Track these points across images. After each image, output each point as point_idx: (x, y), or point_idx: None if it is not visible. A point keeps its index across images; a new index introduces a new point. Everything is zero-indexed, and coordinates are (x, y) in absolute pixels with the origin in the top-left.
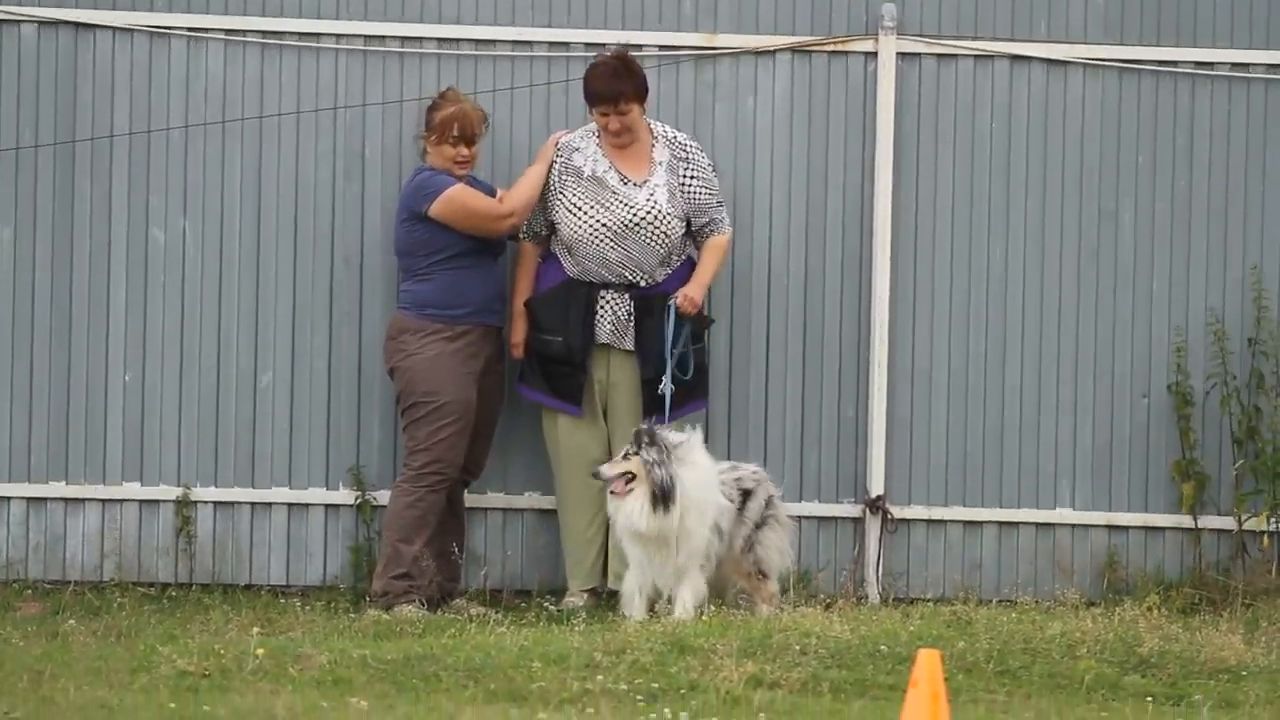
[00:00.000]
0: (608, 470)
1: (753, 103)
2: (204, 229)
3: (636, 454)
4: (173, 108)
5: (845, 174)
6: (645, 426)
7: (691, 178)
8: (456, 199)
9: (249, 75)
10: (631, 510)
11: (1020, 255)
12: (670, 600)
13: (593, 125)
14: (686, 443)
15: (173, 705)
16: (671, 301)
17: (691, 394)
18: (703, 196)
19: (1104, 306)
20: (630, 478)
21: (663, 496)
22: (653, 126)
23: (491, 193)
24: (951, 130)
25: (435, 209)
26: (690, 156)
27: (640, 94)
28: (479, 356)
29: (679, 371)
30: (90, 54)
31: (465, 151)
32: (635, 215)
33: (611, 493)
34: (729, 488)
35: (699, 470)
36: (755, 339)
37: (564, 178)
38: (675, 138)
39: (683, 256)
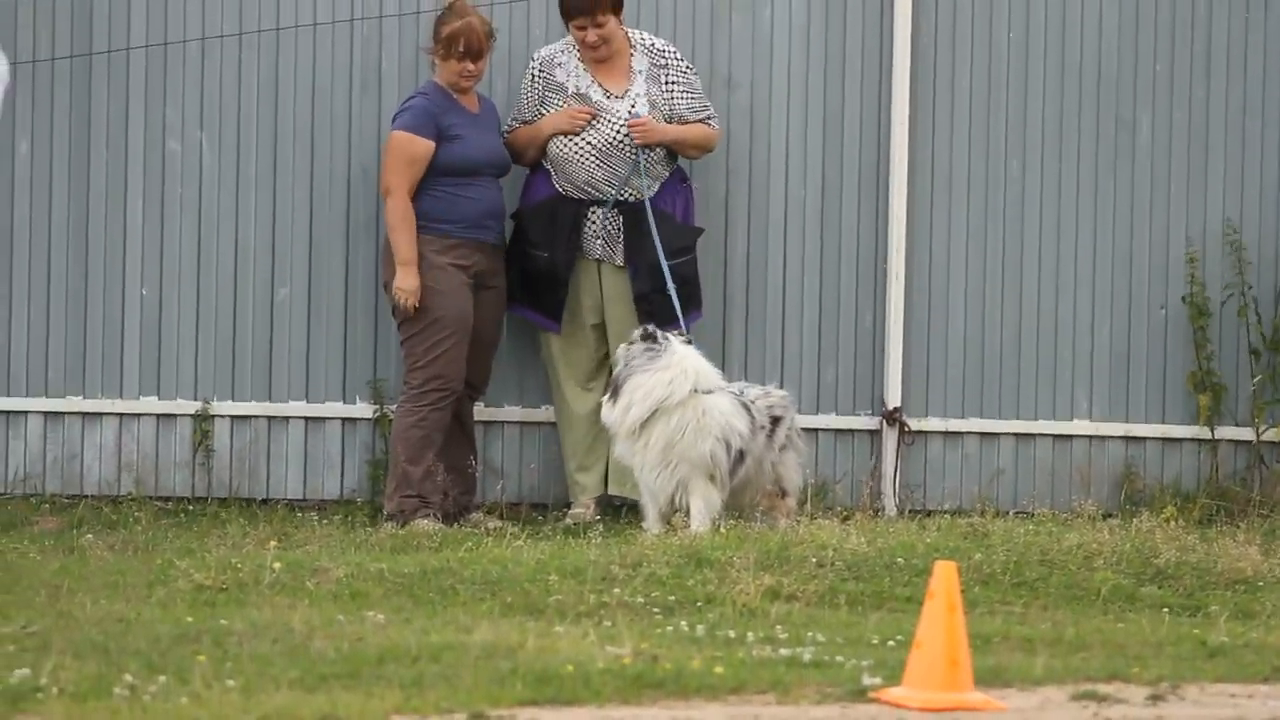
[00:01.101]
0: (619, 353)
1: (769, 13)
2: (221, 141)
3: (644, 344)
4: (189, 19)
5: (862, 84)
6: (649, 327)
7: (672, 83)
8: (396, 141)
9: None
10: (604, 399)
11: (1038, 165)
12: (686, 513)
13: (570, 38)
14: (673, 350)
15: (189, 619)
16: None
17: (686, 305)
18: (685, 102)
19: (1121, 217)
20: None
21: (614, 389)
22: (630, 35)
23: (496, 120)
24: (969, 39)
25: (391, 133)
26: (669, 63)
27: (616, 4)
28: (472, 270)
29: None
30: None
31: (470, 67)
32: (619, 132)
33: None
34: (760, 413)
35: (676, 374)
36: (772, 249)
37: (547, 93)
38: (653, 45)
39: (670, 169)
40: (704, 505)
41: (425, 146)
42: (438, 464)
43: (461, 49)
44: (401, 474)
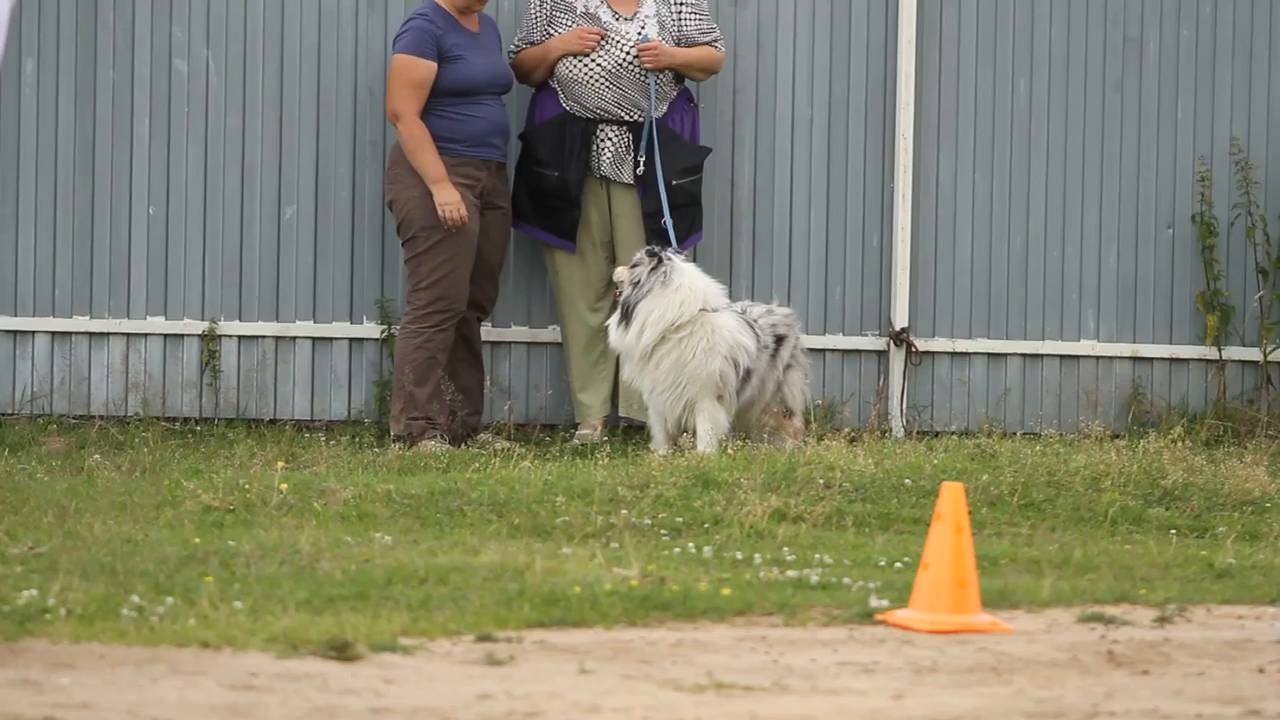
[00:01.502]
0: (617, 273)
1: None
2: (227, 60)
3: (651, 266)
4: None
5: (869, 3)
6: (654, 247)
7: (681, 5)
8: (398, 64)
9: None
10: (611, 323)
11: (1044, 85)
12: (692, 434)
13: None
14: (681, 272)
15: (197, 540)
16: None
17: (690, 226)
18: (693, 23)
19: (1128, 136)
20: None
21: (624, 313)
22: None
23: (497, 38)
24: None
25: (394, 57)
26: None
27: None
28: (477, 188)
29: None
30: None
31: None
32: (629, 54)
33: (613, 296)
34: (765, 332)
35: (687, 295)
36: (779, 170)
37: (555, 14)
38: None
39: (678, 89)
40: (711, 426)
41: (428, 68)
42: (444, 384)
43: None
44: (408, 395)
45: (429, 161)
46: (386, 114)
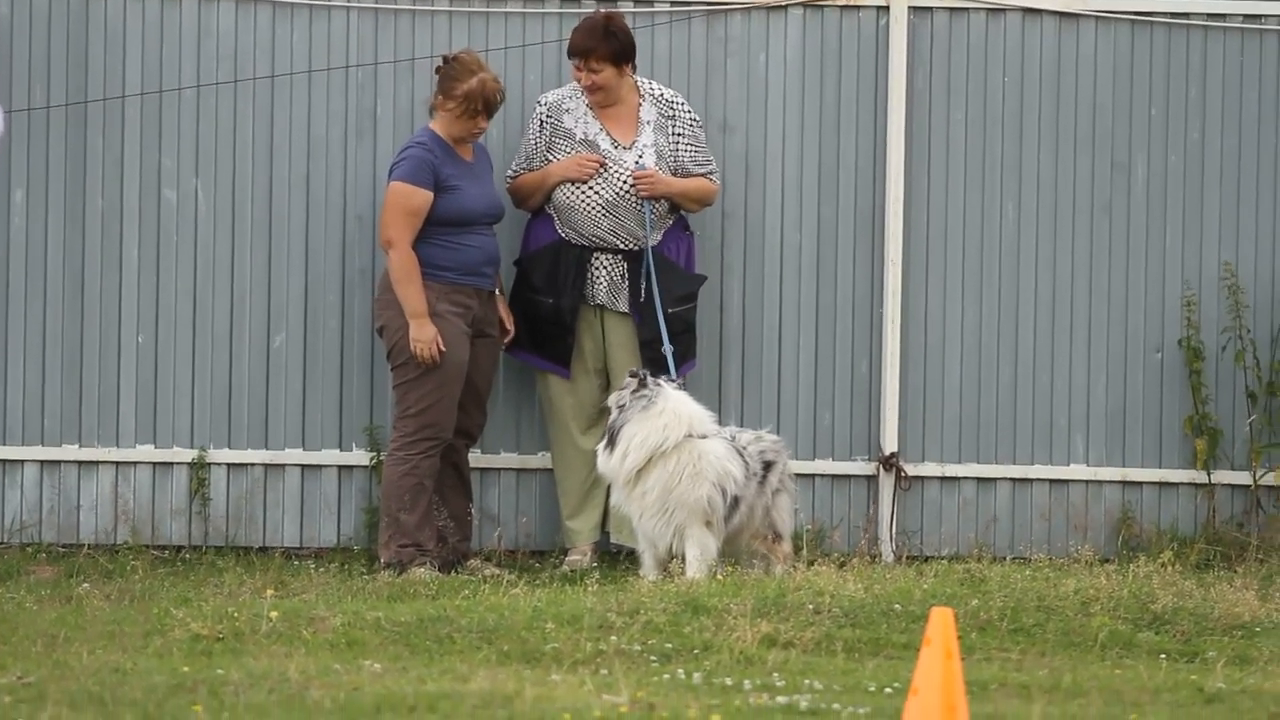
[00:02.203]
0: (611, 400)
1: (765, 58)
2: (216, 189)
3: (638, 392)
4: (184, 67)
5: (858, 129)
6: (640, 370)
7: (678, 135)
8: (395, 193)
9: (260, 34)
10: (599, 448)
11: (1033, 209)
12: (681, 559)
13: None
14: (666, 396)
15: (186, 668)
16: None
17: (683, 354)
18: (689, 154)
19: (1117, 261)
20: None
21: (610, 437)
22: (639, 84)
23: (490, 167)
24: (964, 85)
25: (390, 184)
26: (677, 114)
27: (615, 57)
28: (468, 316)
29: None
30: (101, 13)
31: (484, 124)
32: (627, 183)
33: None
34: (753, 458)
35: (671, 419)
36: (768, 296)
37: (555, 140)
38: (662, 95)
39: (673, 218)
40: (700, 552)
41: (424, 197)
42: (435, 510)
43: (480, 107)
44: (396, 523)
45: (412, 294)
46: (379, 240)
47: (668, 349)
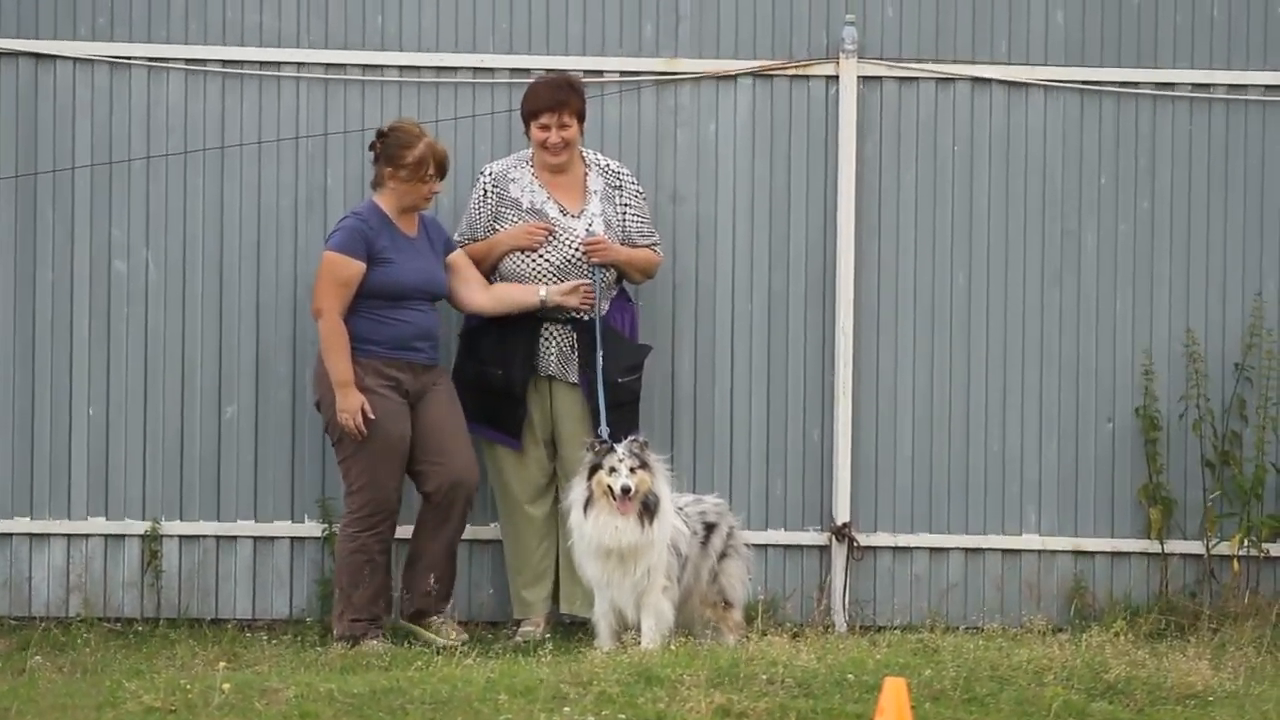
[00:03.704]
0: (633, 484)
1: (714, 127)
2: (166, 260)
3: (641, 467)
4: (134, 138)
5: (808, 198)
6: (641, 438)
7: (625, 205)
8: (327, 263)
9: (210, 105)
10: (618, 523)
11: (984, 277)
12: (637, 630)
13: (524, 153)
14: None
15: None
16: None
17: (626, 425)
18: (635, 225)
19: (1068, 329)
20: (630, 489)
21: (649, 510)
22: (585, 155)
23: (437, 243)
24: (914, 153)
25: (324, 254)
26: (624, 185)
27: (581, 113)
28: (399, 389)
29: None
30: (51, 85)
31: (438, 187)
32: (576, 251)
33: (622, 510)
34: (693, 520)
35: (666, 481)
36: (719, 365)
37: (500, 209)
38: (608, 166)
39: (617, 288)
40: (655, 621)
41: (356, 268)
42: (382, 582)
43: (432, 170)
44: (346, 598)
45: (337, 363)
46: (310, 310)
47: (604, 425)
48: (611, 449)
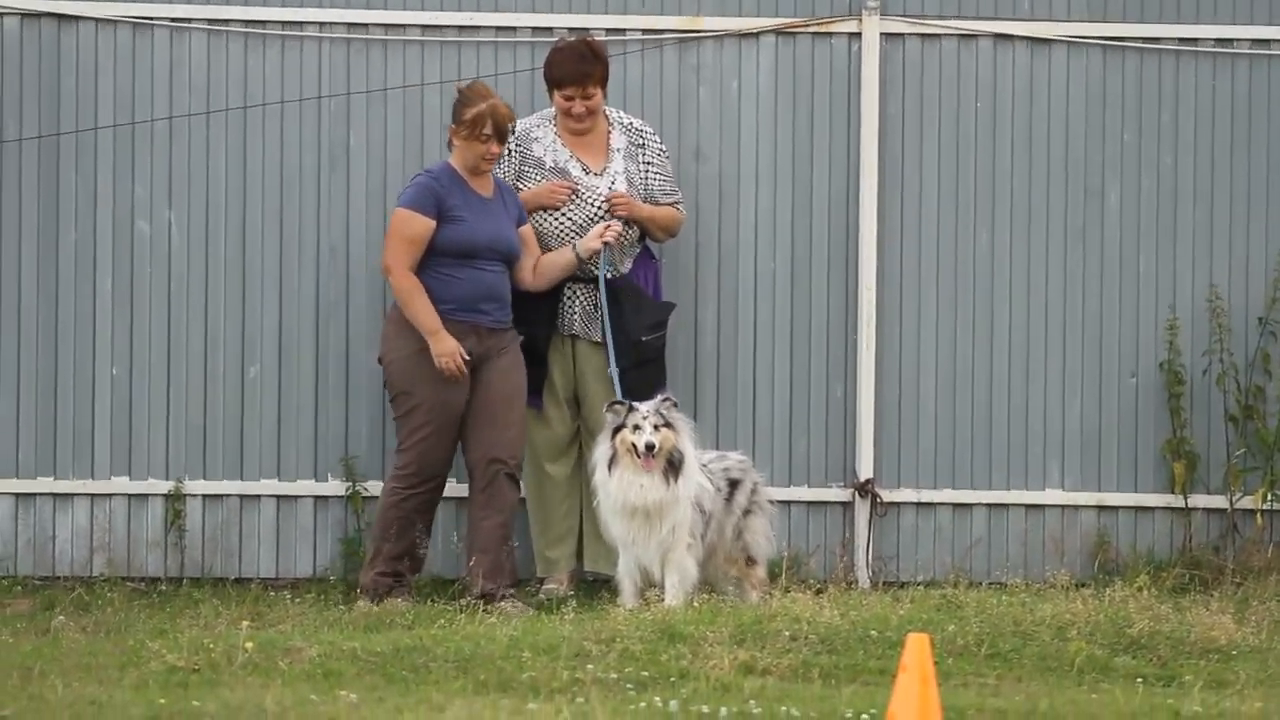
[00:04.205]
0: (657, 441)
1: (737, 85)
2: (189, 220)
3: (665, 426)
4: (156, 99)
5: (830, 156)
6: (670, 396)
7: (648, 164)
8: (396, 219)
9: (233, 65)
10: (643, 480)
11: (1006, 234)
12: (660, 587)
13: (547, 111)
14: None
15: (162, 701)
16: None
17: (652, 382)
18: (658, 183)
19: (1091, 286)
20: (653, 447)
21: (674, 467)
22: (608, 113)
23: (510, 206)
24: (936, 110)
25: (395, 210)
26: (646, 143)
27: (605, 78)
28: (465, 351)
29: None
30: (73, 46)
31: (495, 149)
32: (599, 209)
33: (646, 466)
34: (717, 477)
35: (690, 439)
36: (742, 323)
37: (524, 169)
38: (631, 124)
39: (640, 246)
40: (680, 578)
41: (425, 225)
42: (418, 541)
43: (488, 131)
44: (375, 550)
45: (422, 312)
46: (380, 268)
47: (614, 371)
48: (633, 408)
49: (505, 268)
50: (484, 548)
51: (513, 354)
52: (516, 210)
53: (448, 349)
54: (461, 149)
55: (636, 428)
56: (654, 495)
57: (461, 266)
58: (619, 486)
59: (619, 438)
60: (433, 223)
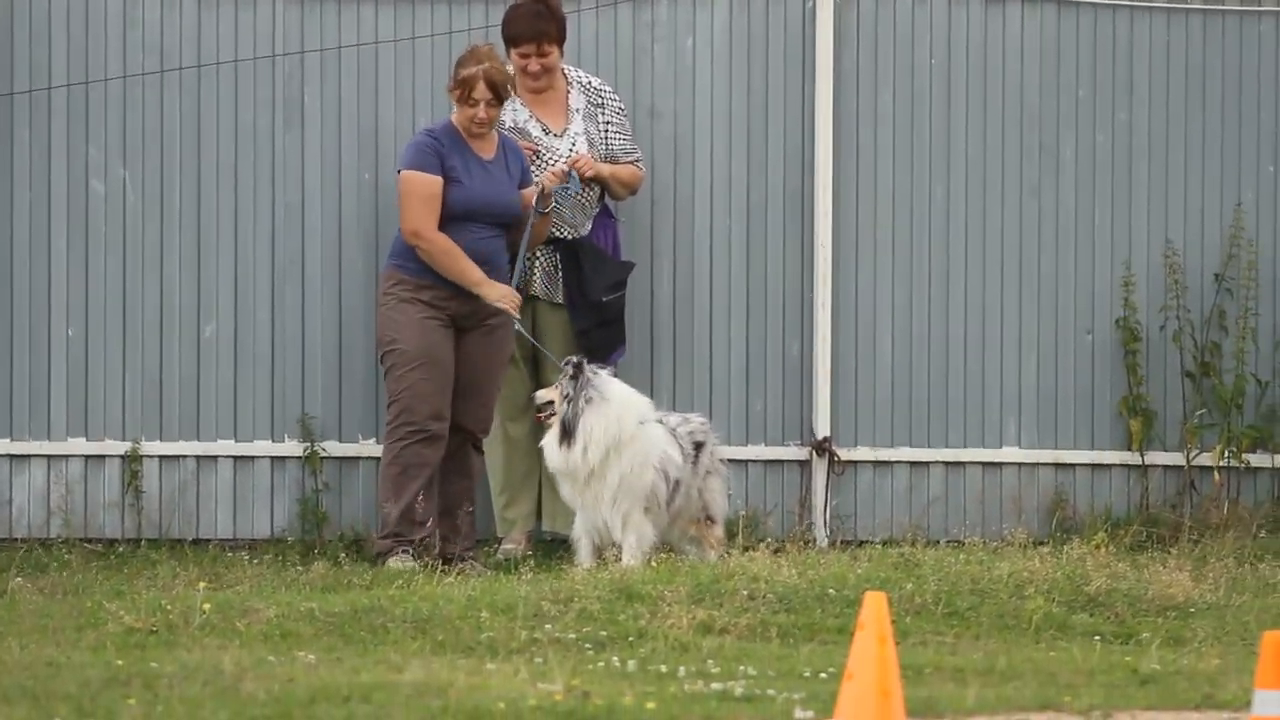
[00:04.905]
0: (539, 395)
1: (692, 43)
2: (144, 180)
3: (573, 386)
4: (110, 57)
5: (785, 113)
6: (576, 359)
7: (608, 123)
8: (404, 182)
9: (186, 23)
10: (548, 444)
11: (962, 191)
12: (617, 547)
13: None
14: (611, 384)
15: (120, 662)
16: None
17: (613, 342)
18: (618, 142)
19: (1046, 242)
20: (551, 410)
21: (565, 432)
22: (567, 72)
23: (513, 168)
24: (890, 67)
25: (400, 175)
26: (605, 102)
27: (561, 36)
28: (444, 312)
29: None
30: (26, 4)
31: (486, 114)
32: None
33: (537, 420)
34: (684, 440)
35: (623, 409)
36: (699, 281)
37: None
38: (590, 83)
39: (599, 205)
40: (637, 540)
41: (434, 181)
42: (420, 500)
43: (478, 95)
44: (381, 514)
45: (461, 271)
46: (405, 235)
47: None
48: (576, 368)
49: (501, 232)
50: (444, 510)
51: (501, 325)
52: (520, 171)
53: (499, 294)
54: (458, 110)
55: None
56: (556, 464)
57: (456, 230)
58: (546, 450)
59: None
60: (440, 179)
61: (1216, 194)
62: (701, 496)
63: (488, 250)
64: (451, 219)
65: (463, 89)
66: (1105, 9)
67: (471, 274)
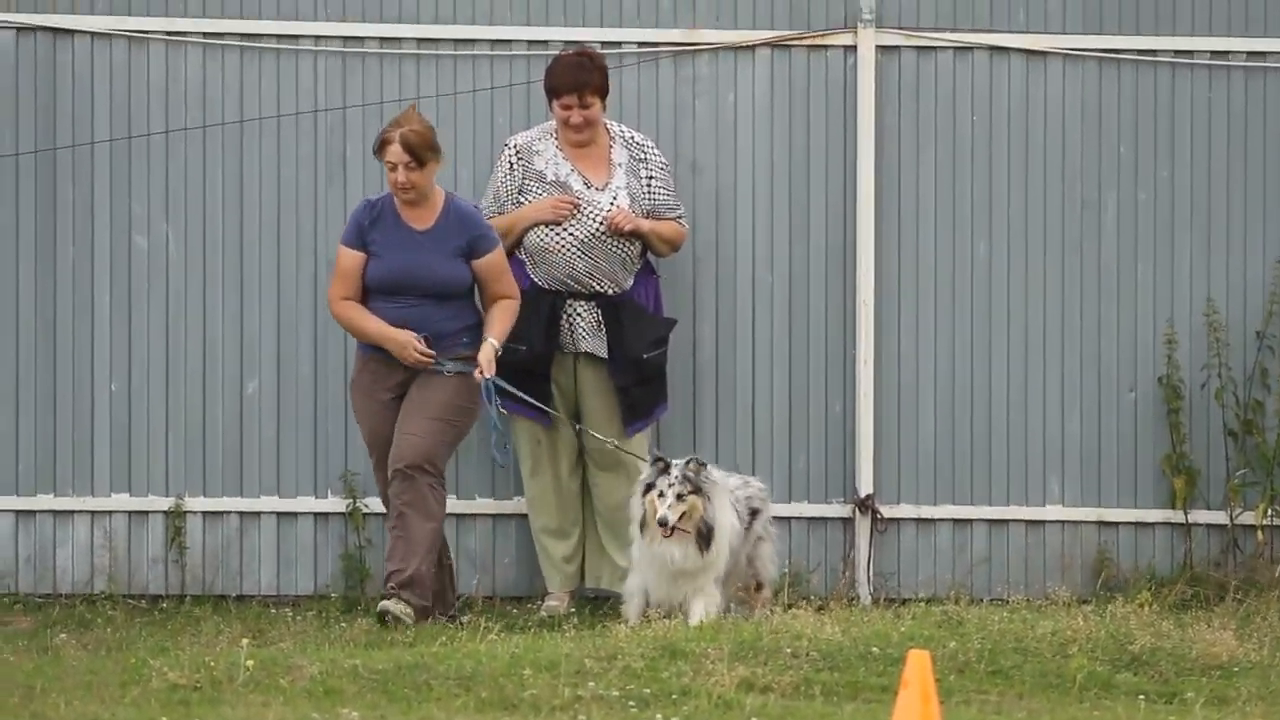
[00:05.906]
0: (672, 517)
1: (733, 98)
2: (187, 234)
3: (693, 493)
4: (153, 112)
5: (827, 169)
6: (696, 460)
7: (650, 178)
8: (338, 255)
9: (228, 78)
10: (674, 552)
11: (1004, 248)
12: (683, 611)
13: (548, 124)
14: (716, 476)
15: (164, 718)
16: None
17: (654, 399)
18: (661, 197)
19: (1089, 299)
20: (680, 525)
21: (706, 538)
22: (609, 126)
23: (455, 228)
24: (932, 123)
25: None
26: (648, 157)
27: (603, 90)
28: (384, 385)
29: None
30: (69, 59)
31: (401, 178)
32: (601, 225)
33: (665, 537)
34: (741, 505)
35: (724, 499)
36: (740, 338)
37: (526, 182)
38: (632, 138)
39: (641, 260)
40: (705, 607)
41: (351, 257)
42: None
43: (390, 159)
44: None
45: (362, 330)
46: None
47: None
48: (666, 469)
49: (442, 301)
50: (390, 550)
51: (446, 378)
52: (466, 242)
53: (401, 341)
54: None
55: (661, 494)
56: (687, 564)
57: (382, 300)
58: (650, 550)
59: (648, 498)
60: (359, 254)
61: (1259, 251)
62: (753, 564)
63: (418, 318)
64: (377, 291)
65: (380, 151)
66: (1147, 66)
67: (375, 330)
